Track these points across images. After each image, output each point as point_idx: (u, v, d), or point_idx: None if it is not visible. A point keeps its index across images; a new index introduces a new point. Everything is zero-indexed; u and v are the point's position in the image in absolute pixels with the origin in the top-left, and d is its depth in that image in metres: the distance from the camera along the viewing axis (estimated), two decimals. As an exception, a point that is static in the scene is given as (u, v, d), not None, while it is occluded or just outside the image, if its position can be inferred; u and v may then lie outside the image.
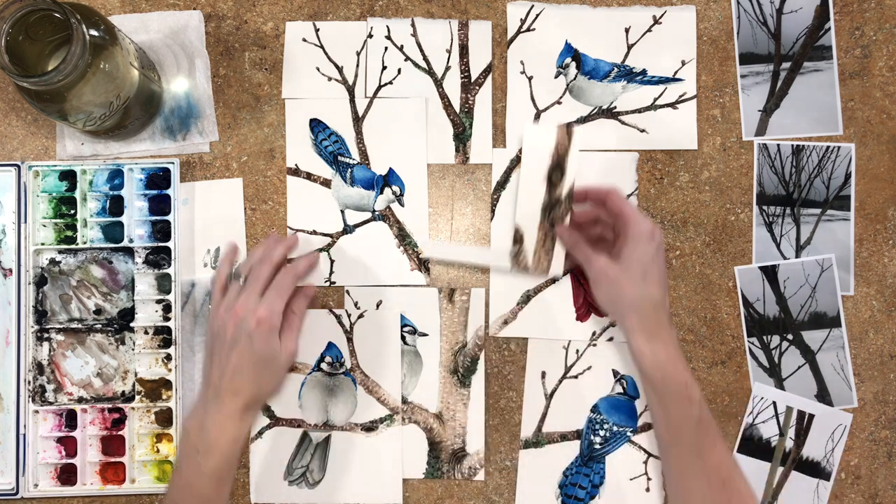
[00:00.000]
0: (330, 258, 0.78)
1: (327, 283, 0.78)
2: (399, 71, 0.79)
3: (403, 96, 0.78)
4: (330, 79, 0.79)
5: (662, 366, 0.67)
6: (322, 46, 0.78)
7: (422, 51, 0.79)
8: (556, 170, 0.74)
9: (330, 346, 0.78)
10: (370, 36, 0.79)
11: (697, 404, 0.67)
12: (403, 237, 0.78)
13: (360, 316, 0.78)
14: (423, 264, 0.78)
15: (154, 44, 0.78)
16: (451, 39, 0.79)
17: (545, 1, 0.79)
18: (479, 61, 0.79)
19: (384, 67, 0.79)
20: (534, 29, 0.79)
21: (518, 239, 0.75)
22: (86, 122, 0.69)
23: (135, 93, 0.70)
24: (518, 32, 0.79)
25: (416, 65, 0.79)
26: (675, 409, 0.67)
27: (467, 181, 0.78)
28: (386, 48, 0.79)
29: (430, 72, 0.79)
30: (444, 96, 0.79)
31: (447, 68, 0.79)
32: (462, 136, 0.79)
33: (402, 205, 0.78)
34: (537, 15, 0.79)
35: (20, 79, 0.62)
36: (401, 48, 0.79)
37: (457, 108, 0.79)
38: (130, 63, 0.69)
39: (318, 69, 0.78)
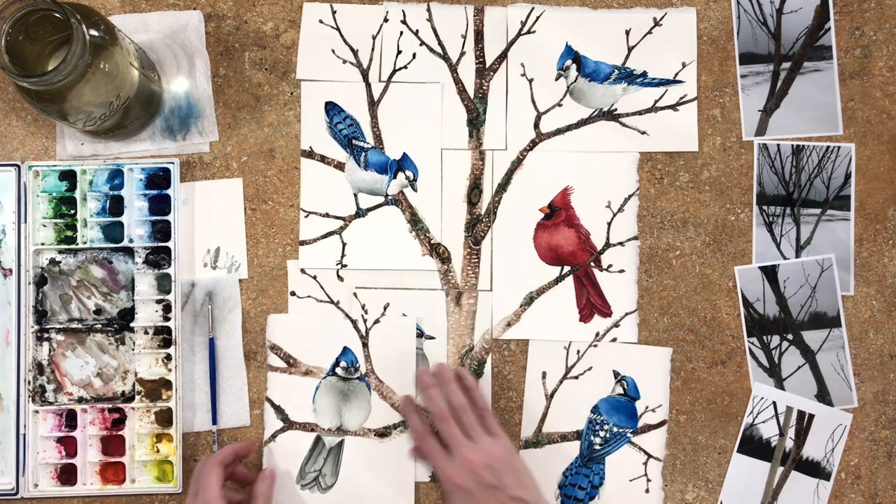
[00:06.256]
0: (342, 241, 0.78)
1: (339, 267, 0.78)
2: (414, 55, 0.79)
3: (418, 81, 0.79)
4: (345, 62, 0.79)
5: None
6: (338, 29, 0.78)
7: (437, 36, 0.79)
8: (475, 190, 0.77)
9: (345, 350, 0.77)
10: (386, 20, 0.79)
11: None
12: (416, 222, 0.78)
13: (376, 321, 0.77)
14: (434, 250, 0.78)
15: (154, 44, 0.78)
16: (467, 25, 0.79)
17: (545, 3, 0.79)
18: (494, 47, 0.79)
19: (399, 52, 0.79)
20: (534, 31, 0.79)
21: (446, 258, 0.77)
22: (86, 122, 0.69)
23: (135, 93, 0.70)
24: (518, 35, 0.79)
25: (431, 50, 0.79)
26: None
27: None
28: (401, 32, 0.79)
29: (444, 57, 0.79)
30: (458, 81, 0.79)
31: (462, 54, 0.79)
32: (476, 122, 0.79)
33: (415, 190, 0.78)
34: (538, 17, 0.79)
35: (20, 79, 0.62)
36: (416, 33, 0.79)
37: (471, 93, 0.79)
38: (130, 63, 0.69)
39: (333, 51, 0.78)
